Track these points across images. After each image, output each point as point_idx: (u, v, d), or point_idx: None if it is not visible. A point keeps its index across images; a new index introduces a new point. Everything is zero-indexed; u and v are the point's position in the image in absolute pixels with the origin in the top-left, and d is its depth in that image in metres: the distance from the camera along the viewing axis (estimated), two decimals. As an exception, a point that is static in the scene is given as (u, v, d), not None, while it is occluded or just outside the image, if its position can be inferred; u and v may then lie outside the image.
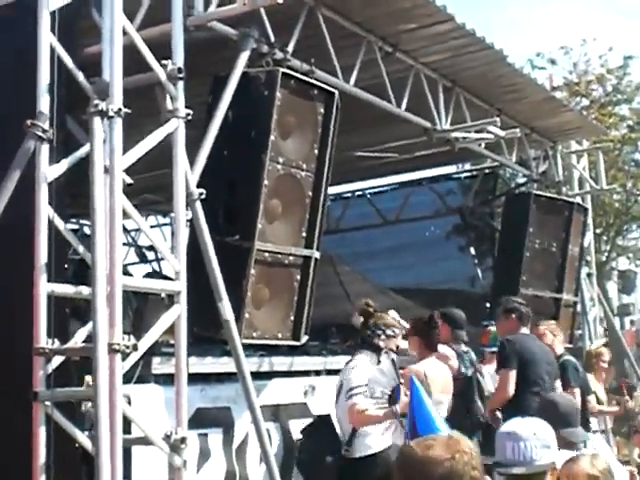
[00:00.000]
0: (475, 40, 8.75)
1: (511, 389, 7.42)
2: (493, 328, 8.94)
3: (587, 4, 39.83)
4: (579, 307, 12.49)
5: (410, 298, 11.36)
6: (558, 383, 7.93)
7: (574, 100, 21.45)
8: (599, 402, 9.76)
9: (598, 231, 20.44)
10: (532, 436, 3.92)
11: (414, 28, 8.31)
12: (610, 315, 14.55)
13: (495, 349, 8.33)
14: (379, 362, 6.78)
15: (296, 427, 7.37)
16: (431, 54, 8.99)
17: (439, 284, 13.03)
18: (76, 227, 12.58)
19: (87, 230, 10.61)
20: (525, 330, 7.88)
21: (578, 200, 12.58)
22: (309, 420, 7.36)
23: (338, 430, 6.88)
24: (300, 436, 7.21)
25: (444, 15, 8.10)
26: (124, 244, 15.01)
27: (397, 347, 6.89)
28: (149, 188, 11.67)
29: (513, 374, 7.44)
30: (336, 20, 7.84)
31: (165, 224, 16.24)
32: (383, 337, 6.77)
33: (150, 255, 15.92)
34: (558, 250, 11.50)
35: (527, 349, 7.61)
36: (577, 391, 8.48)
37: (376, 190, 14.97)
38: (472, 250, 14.26)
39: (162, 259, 12.32)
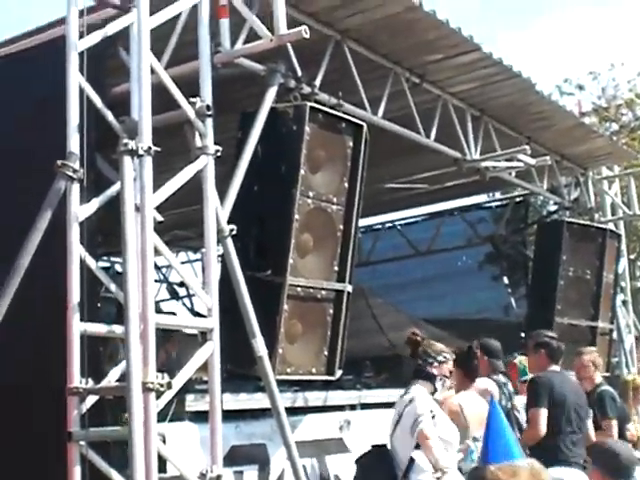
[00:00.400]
0: (502, 69, 8.73)
1: (543, 427, 7.20)
2: (517, 360, 8.80)
3: (587, 24, 39.73)
4: (615, 335, 12.34)
5: (444, 329, 11.24)
6: (590, 423, 7.74)
7: (603, 125, 21.37)
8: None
9: (632, 257, 20.25)
10: None
11: (440, 59, 8.31)
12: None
13: (526, 378, 8.20)
14: (435, 390, 6.60)
15: (332, 462, 7.29)
16: (458, 84, 8.99)
17: (473, 314, 12.92)
18: (107, 265, 12.63)
19: (119, 268, 10.65)
20: (555, 367, 7.55)
21: (611, 226, 12.49)
22: (346, 455, 7.28)
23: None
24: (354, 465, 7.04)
25: (470, 45, 8.10)
26: (156, 281, 15.06)
27: (450, 372, 6.71)
28: (179, 224, 11.72)
29: (545, 413, 7.26)
30: (362, 53, 7.86)
31: (196, 260, 16.31)
32: (435, 364, 6.57)
33: (182, 291, 15.96)
34: (592, 277, 11.37)
35: (557, 390, 7.41)
36: (614, 422, 8.33)
37: (407, 221, 14.95)
38: (505, 279, 14.17)
39: (194, 295, 12.33)
